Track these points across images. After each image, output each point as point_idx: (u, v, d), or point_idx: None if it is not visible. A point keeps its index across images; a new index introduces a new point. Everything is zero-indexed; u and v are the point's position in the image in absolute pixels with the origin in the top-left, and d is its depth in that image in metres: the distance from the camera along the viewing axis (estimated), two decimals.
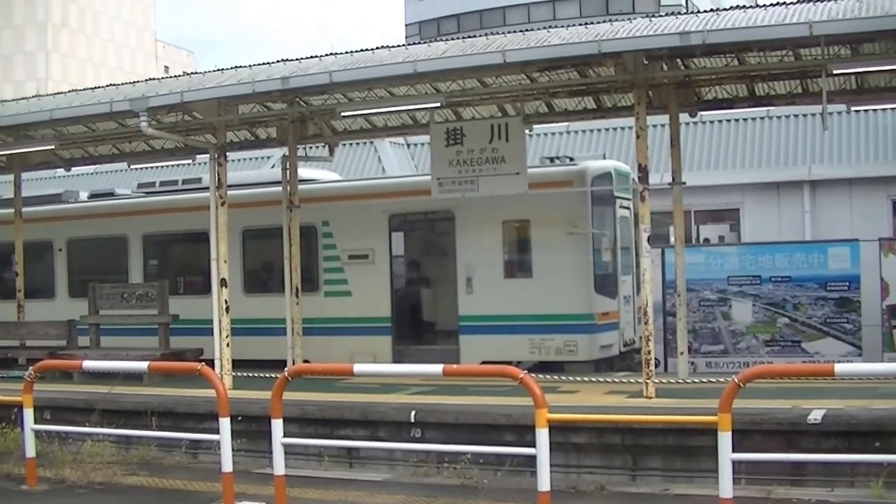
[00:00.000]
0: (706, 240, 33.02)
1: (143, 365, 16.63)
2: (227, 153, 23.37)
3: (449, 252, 25.90)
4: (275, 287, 26.00)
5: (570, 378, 22.27)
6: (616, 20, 19.91)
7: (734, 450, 10.83)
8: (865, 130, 33.27)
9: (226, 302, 22.08)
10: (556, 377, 22.32)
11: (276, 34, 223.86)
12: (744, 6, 19.03)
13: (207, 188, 23.52)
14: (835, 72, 19.32)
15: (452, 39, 21.26)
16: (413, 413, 18.02)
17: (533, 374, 12.47)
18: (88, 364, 16.97)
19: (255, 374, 23.11)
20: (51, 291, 30.57)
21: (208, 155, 23.40)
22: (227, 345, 22.10)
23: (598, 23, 20.01)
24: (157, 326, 24.76)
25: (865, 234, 26.44)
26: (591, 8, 78.48)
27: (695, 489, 14.63)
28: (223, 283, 22.13)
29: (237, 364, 22.75)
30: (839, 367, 10.64)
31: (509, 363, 20.76)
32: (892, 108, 31.74)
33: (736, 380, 10.64)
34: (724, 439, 10.69)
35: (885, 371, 12.04)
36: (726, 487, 10.75)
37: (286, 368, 14.45)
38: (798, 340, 24.74)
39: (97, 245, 29.92)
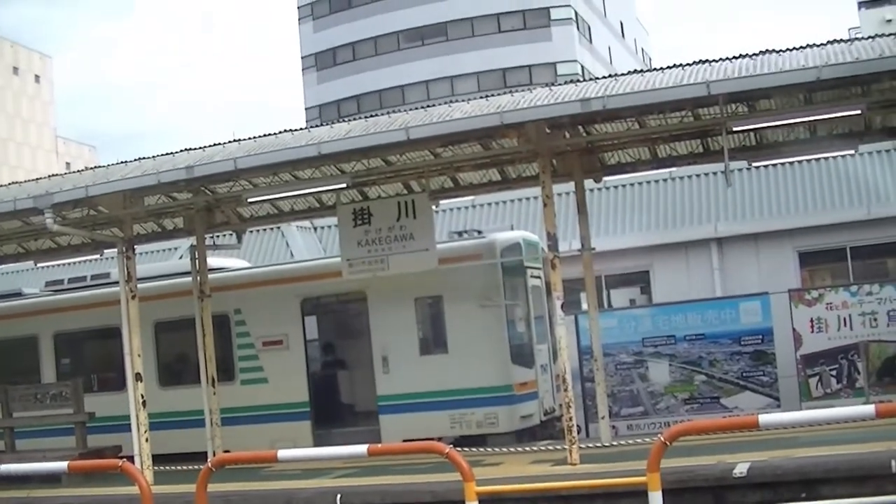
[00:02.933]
0: (609, 306, 33.22)
1: (62, 465, 16.27)
2: (135, 246, 23.16)
3: (363, 332, 25.82)
4: (190, 378, 25.63)
5: (494, 450, 22.22)
6: (515, 92, 20.04)
7: None
8: (767, 185, 33.74)
9: (142, 396, 21.80)
10: (479, 450, 22.25)
11: (198, 129, 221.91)
12: (641, 70, 19.30)
13: (117, 283, 23.29)
14: (734, 129, 19.65)
15: (354, 120, 21.31)
16: (339, 497, 17.82)
17: (458, 449, 12.43)
18: (4, 468, 16.65)
19: (177, 468, 22.78)
20: None
21: (116, 249, 23.19)
22: (146, 440, 21.79)
23: (498, 96, 20.13)
24: (73, 426, 24.38)
25: (774, 287, 26.78)
26: (489, 82, 79.38)
27: None
28: (138, 377, 21.85)
29: (157, 459, 22.42)
30: (763, 419, 10.69)
31: (431, 440, 20.63)
32: (790, 162, 32.21)
33: (662, 438, 10.65)
34: (655, 499, 10.69)
35: (808, 419, 12.10)
36: None
37: (209, 459, 14.25)
38: (716, 396, 24.94)
39: (7, 346, 29.36)
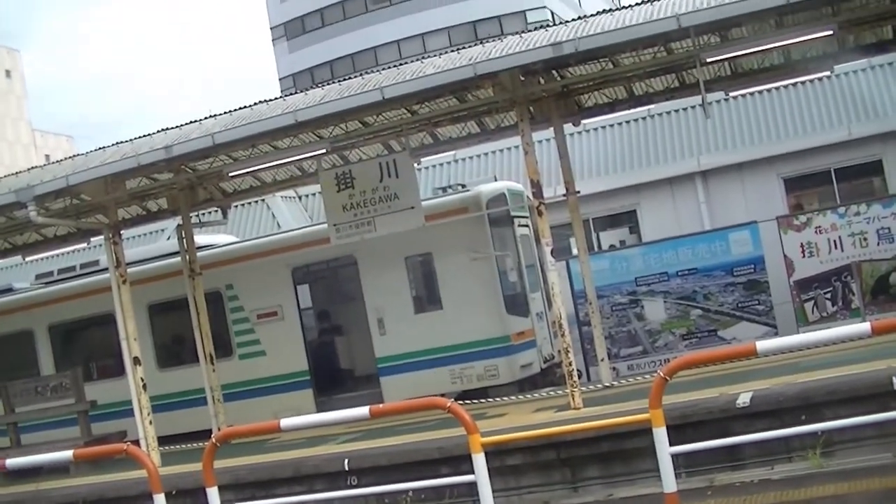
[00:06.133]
0: (611, 246, 33.21)
1: (67, 454, 16.22)
2: (121, 231, 23.11)
3: (357, 296, 25.83)
4: (189, 358, 25.68)
5: (497, 400, 22.28)
6: (487, 43, 19.96)
7: (670, 445, 10.83)
8: (746, 114, 33.68)
9: (142, 380, 21.79)
10: (482, 402, 22.32)
11: (176, 111, 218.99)
12: (610, 9, 19.25)
13: (106, 270, 23.25)
14: (708, 60, 19.60)
15: (328, 86, 21.23)
16: (346, 461, 17.87)
17: (459, 402, 12.43)
18: (12, 462, 16.60)
19: (183, 446, 22.82)
20: None
21: (102, 236, 23.14)
22: (150, 422, 21.80)
23: (469, 48, 20.06)
24: (76, 415, 24.37)
25: (762, 215, 26.85)
26: (460, 36, 78.97)
27: (638, 490, 14.65)
28: (136, 361, 21.83)
29: (163, 440, 22.45)
30: (761, 345, 10.66)
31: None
32: (767, 89, 32.15)
33: (662, 373, 10.65)
34: (660, 434, 10.69)
35: (805, 342, 12.06)
36: (669, 482, 10.75)
37: (213, 435, 14.25)
38: (713, 329, 25.02)
39: (2, 343, 29.34)
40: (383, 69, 21.00)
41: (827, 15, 18.78)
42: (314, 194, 37.24)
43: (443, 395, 21.83)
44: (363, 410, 12.28)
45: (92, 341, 29.14)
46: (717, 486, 13.58)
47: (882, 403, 14.32)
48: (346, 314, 27.46)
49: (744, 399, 15.55)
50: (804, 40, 19.38)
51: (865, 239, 24.41)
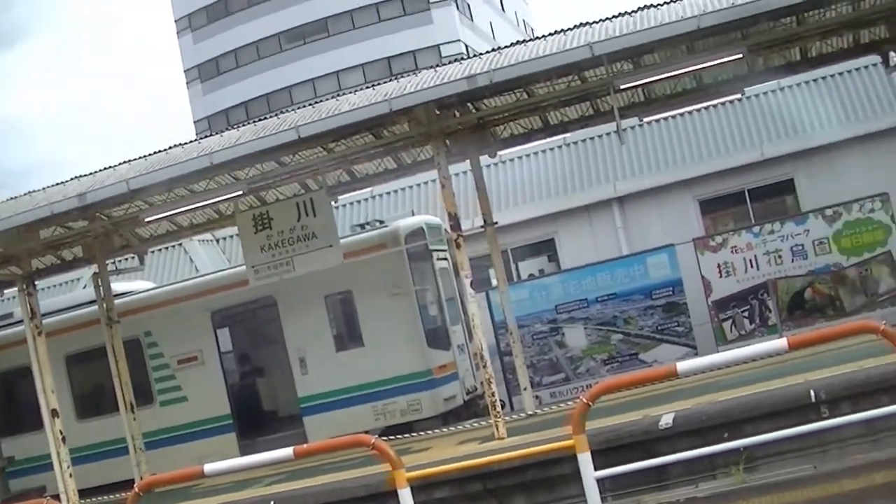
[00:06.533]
0: (530, 275, 33.32)
1: None
2: (36, 281, 22.80)
3: (277, 337, 25.73)
4: (109, 407, 25.27)
5: (421, 435, 22.22)
6: (402, 78, 19.99)
7: (595, 469, 10.82)
8: (661, 139, 33.87)
9: (61, 432, 21.45)
10: (406, 437, 22.25)
11: (92, 156, 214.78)
12: (524, 41, 19.36)
13: (21, 322, 22.93)
14: (621, 87, 19.79)
15: (243, 126, 21.15)
16: None
17: (384, 438, 12.37)
18: None
19: (105, 498, 22.51)
20: None
21: (16, 288, 22.83)
22: (70, 475, 21.45)
23: (384, 84, 20.08)
24: None
25: (679, 238, 27.03)
26: (374, 72, 78.84)
27: None
28: (54, 413, 21.51)
29: (84, 493, 22.12)
30: (681, 366, 10.72)
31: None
32: (680, 114, 32.43)
33: (584, 399, 10.65)
34: (584, 459, 10.69)
35: (725, 360, 12.07)
36: None
37: (135, 484, 14.06)
38: (635, 353, 25.14)
39: None
40: (298, 108, 20.94)
41: (736, 39, 19.03)
42: (232, 236, 36.99)
43: (367, 432, 21.73)
44: (287, 451, 12.20)
45: (8, 395, 28.65)
46: None
47: (801, 417, 14.51)
48: (267, 355, 27.31)
49: (666, 420, 15.63)
50: (715, 64, 19.63)
51: (780, 256, 24.72)
